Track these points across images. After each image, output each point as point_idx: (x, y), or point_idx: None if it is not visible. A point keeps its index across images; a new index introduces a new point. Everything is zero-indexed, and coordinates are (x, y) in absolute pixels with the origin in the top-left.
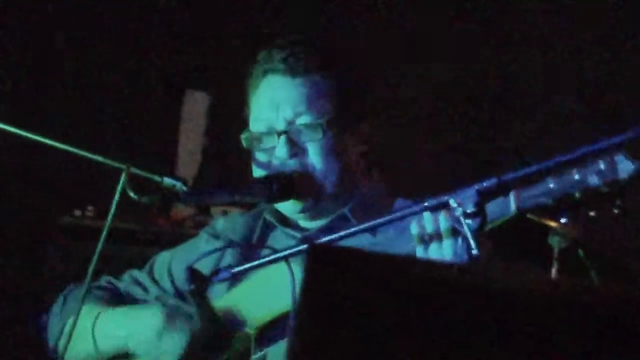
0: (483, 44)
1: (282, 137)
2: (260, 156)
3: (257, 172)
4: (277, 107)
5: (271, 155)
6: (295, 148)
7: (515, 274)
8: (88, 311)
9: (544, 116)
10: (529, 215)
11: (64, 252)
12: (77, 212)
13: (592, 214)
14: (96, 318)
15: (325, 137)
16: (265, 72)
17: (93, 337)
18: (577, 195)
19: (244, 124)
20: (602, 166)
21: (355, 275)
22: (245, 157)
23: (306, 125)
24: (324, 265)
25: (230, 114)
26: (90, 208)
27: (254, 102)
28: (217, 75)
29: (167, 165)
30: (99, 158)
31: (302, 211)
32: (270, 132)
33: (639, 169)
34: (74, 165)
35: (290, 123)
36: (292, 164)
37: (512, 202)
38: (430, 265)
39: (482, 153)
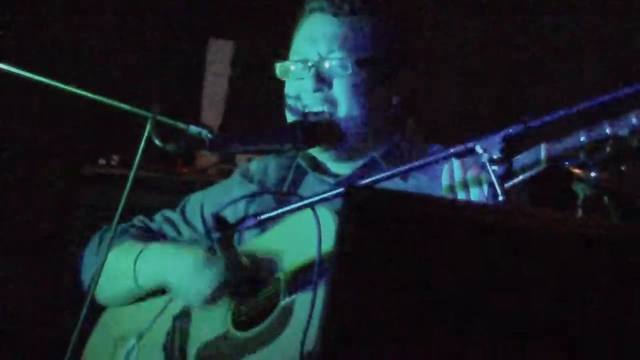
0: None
1: (312, 70)
2: (291, 87)
3: (287, 109)
4: (314, 41)
5: (300, 88)
6: (323, 82)
7: (551, 217)
8: (127, 248)
9: (573, 76)
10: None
11: (90, 200)
12: (102, 161)
13: (622, 168)
14: (137, 255)
15: (354, 75)
16: (311, 11)
17: (134, 272)
18: (607, 148)
19: (267, 71)
20: (633, 120)
21: (392, 217)
22: (269, 105)
23: (337, 61)
24: (361, 206)
25: (253, 62)
26: (114, 157)
27: (296, 37)
28: (241, 24)
29: (191, 113)
30: (126, 106)
31: (331, 159)
32: (303, 62)
33: None
34: (99, 114)
35: (323, 58)
36: (317, 98)
37: (542, 154)
38: (467, 206)
39: (515, 104)
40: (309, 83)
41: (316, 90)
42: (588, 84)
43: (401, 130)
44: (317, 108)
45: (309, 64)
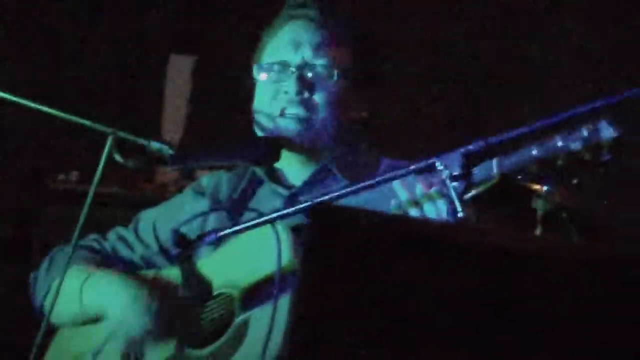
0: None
1: (296, 73)
2: (265, 91)
3: (256, 128)
4: (297, 46)
5: (278, 91)
6: (306, 87)
7: (505, 233)
8: (76, 272)
9: (539, 84)
10: (514, 180)
11: (49, 216)
12: (62, 177)
13: (574, 181)
14: (84, 281)
15: (337, 84)
16: (291, 17)
17: (80, 299)
18: (559, 161)
19: (228, 87)
20: (585, 133)
21: (355, 234)
22: (230, 120)
23: (322, 67)
24: (325, 225)
25: (214, 77)
26: (74, 173)
27: (273, 42)
28: (202, 39)
29: (152, 129)
30: (86, 122)
31: (290, 153)
32: (284, 66)
33: (620, 135)
34: (58, 130)
35: (307, 62)
36: (297, 101)
37: (494, 167)
38: (426, 224)
39: (475, 119)
40: (290, 86)
41: (298, 93)
42: (548, 99)
43: (357, 142)
44: (294, 110)
45: (292, 67)
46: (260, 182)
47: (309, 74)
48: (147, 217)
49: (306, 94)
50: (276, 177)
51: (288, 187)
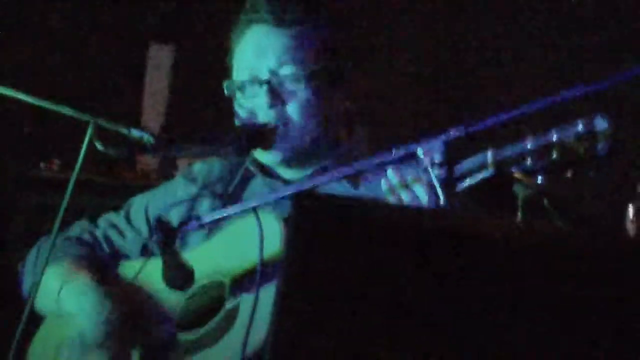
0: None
1: (265, 86)
2: (242, 105)
3: (240, 115)
4: (261, 55)
5: (253, 105)
6: (277, 98)
7: (488, 220)
8: (57, 272)
9: (521, 70)
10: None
11: (30, 204)
12: (42, 165)
13: (568, 175)
14: (62, 286)
15: (308, 88)
16: (250, 22)
17: (58, 301)
18: (554, 155)
19: (208, 75)
20: (580, 127)
21: (339, 222)
22: (210, 109)
23: (289, 76)
24: (309, 212)
25: (194, 66)
26: (55, 161)
27: (238, 52)
28: (182, 28)
29: (132, 117)
30: (67, 111)
31: (281, 162)
32: (253, 80)
33: (614, 128)
34: (39, 119)
35: (274, 73)
36: (273, 114)
37: (489, 159)
38: (412, 211)
39: (461, 104)
40: (263, 100)
41: (271, 106)
42: (537, 85)
43: (350, 137)
44: (272, 124)
45: (260, 80)
46: (253, 175)
47: (278, 86)
48: (139, 203)
49: (279, 106)
50: (269, 172)
51: (283, 181)
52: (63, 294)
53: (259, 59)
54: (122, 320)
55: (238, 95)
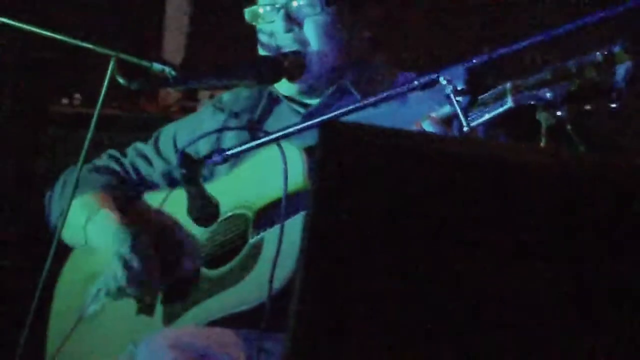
0: None
1: (281, 12)
2: (262, 30)
3: (261, 47)
4: None
5: (272, 29)
6: (293, 23)
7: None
8: (83, 206)
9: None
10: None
11: (54, 140)
12: (65, 100)
13: (588, 107)
14: (88, 219)
15: (323, 13)
16: None
17: (84, 234)
18: (573, 87)
19: (227, 6)
20: (599, 58)
21: (365, 151)
22: (231, 40)
23: (305, 1)
24: (337, 144)
25: None
26: (77, 95)
27: None
28: None
29: (153, 49)
30: (88, 45)
31: (300, 92)
32: (271, 5)
33: (633, 63)
34: (60, 53)
35: None
36: (289, 39)
37: (508, 89)
38: (442, 140)
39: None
40: (279, 25)
41: (287, 31)
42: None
43: (370, 59)
44: (290, 48)
45: (277, 5)
46: (277, 101)
47: (294, 11)
48: (167, 132)
49: (296, 30)
50: (292, 97)
51: (305, 105)
52: (89, 228)
53: None
54: (147, 256)
55: (258, 21)
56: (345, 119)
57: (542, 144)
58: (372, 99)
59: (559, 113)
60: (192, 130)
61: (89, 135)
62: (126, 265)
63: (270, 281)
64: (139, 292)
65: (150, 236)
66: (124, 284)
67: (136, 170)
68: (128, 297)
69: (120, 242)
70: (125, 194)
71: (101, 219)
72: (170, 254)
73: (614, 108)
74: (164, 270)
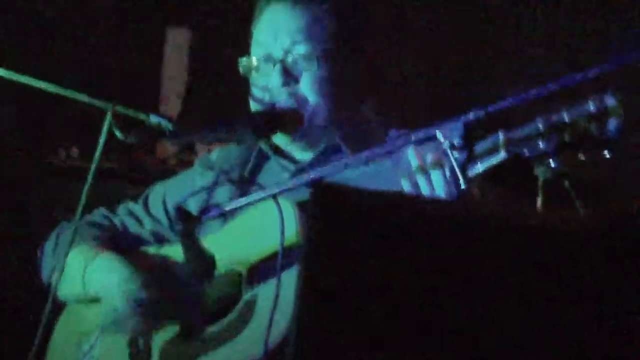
0: None
1: (278, 65)
2: (256, 83)
3: (253, 101)
4: (276, 34)
5: (267, 83)
6: (290, 77)
7: (505, 208)
8: (81, 253)
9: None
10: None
11: (48, 192)
12: (62, 153)
13: (582, 157)
14: (87, 263)
15: (320, 68)
16: (269, 1)
17: (83, 281)
18: (566, 136)
19: (226, 60)
20: (591, 107)
21: (357, 214)
22: (228, 93)
23: (302, 56)
24: (328, 204)
25: (212, 51)
26: (74, 149)
27: (256, 29)
28: (199, 12)
29: (150, 103)
30: (84, 98)
31: (293, 142)
32: (267, 59)
33: (625, 100)
34: (57, 106)
35: (287, 52)
36: (285, 93)
37: (500, 141)
38: (428, 202)
39: (477, 82)
40: (276, 79)
41: (284, 85)
42: (554, 66)
43: (361, 111)
44: (286, 104)
45: (274, 59)
46: (266, 157)
47: (291, 65)
48: (157, 191)
49: (292, 84)
50: (283, 153)
51: (295, 162)
52: (89, 272)
53: (274, 38)
54: (151, 298)
55: (252, 73)
56: (337, 176)
57: (539, 199)
58: (361, 155)
59: (553, 165)
60: (182, 189)
61: (84, 191)
62: (131, 297)
63: (266, 339)
64: (138, 327)
65: (151, 282)
66: (126, 313)
67: (126, 228)
68: (122, 332)
69: (127, 280)
70: (120, 247)
71: (102, 262)
72: (169, 302)
73: (608, 158)
74: (163, 315)
